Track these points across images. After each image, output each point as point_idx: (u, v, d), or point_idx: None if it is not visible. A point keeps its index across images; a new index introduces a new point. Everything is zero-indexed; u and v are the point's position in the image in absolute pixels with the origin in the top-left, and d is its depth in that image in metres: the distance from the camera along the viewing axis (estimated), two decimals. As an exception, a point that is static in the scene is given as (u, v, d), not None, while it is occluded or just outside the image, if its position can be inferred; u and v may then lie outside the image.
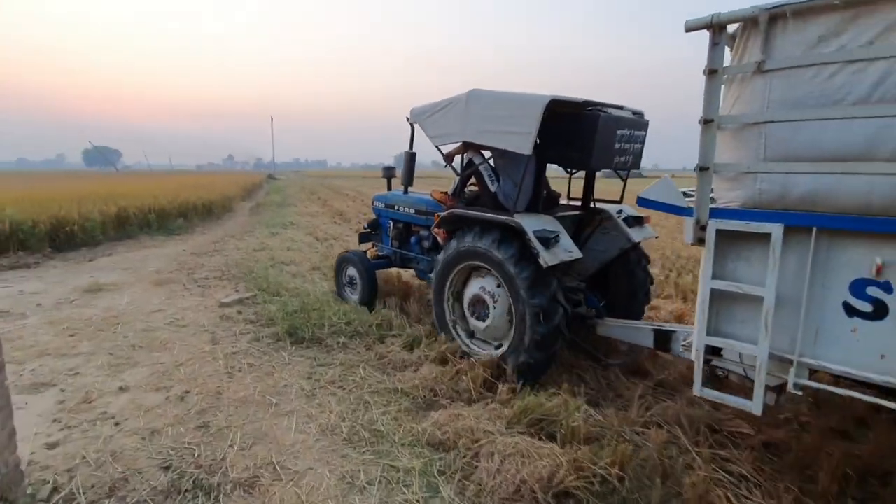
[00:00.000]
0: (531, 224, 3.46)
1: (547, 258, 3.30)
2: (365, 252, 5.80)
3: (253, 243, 9.73)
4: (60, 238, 9.13)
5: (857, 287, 2.09)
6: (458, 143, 4.28)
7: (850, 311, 2.12)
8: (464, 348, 4.03)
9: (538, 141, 3.62)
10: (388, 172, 6.05)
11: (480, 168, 4.23)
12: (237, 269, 7.35)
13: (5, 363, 2.03)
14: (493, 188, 4.18)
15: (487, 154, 4.23)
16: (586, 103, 3.67)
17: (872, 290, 2.05)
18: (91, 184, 16.93)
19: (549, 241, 3.36)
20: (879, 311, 2.04)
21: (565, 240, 3.50)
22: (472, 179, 4.47)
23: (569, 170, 4.42)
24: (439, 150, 4.39)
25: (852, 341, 2.12)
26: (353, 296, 5.62)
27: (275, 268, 7.27)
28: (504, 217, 3.61)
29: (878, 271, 2.00)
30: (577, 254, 3.51)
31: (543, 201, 4.15)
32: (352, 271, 5.65)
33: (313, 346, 4.34)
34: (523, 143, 3.45)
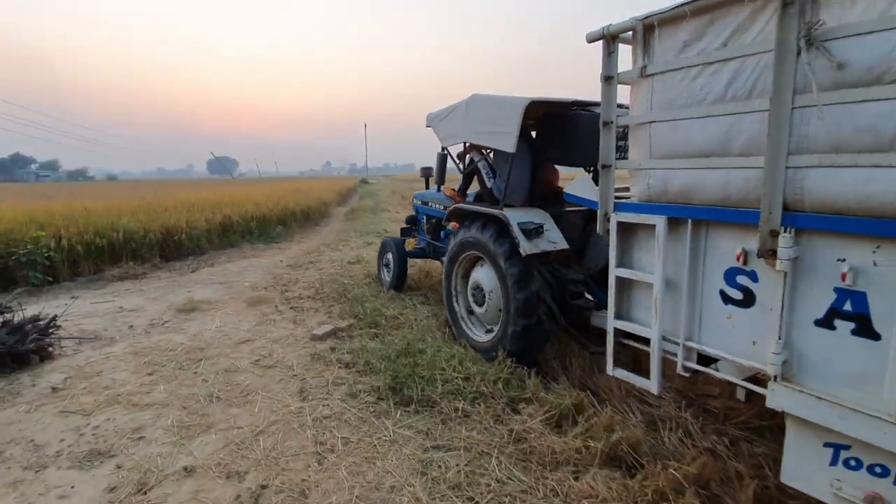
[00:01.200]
0: (517, 216, 3.64)
1: (526, 247, 3.47)
2: (403, 241, 6.30)
3: (348, 255, 9.03)
4: (169, 246, 9.04)
5: (730, 275, 2.22)
6: (461, 146, 4.81)
7: (726, 298, 2.26)
8: (461, 324, 4.40)
9: (533, 139, 3.89)
10: (426, 172, 6.19)
11: (479, 165, 4.56)
12: (331, 286, 6.56)
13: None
14: (489, 184, 4.46)
15: (489, 152, 4.60)
16: (573, 103, 3.86)
17: (742, 279, 2.17)
18: (205, 191, 17.72)
19: (531, 231, 3.51)
20: (748, 300, 2.16)
21: (551, 232, 3.63)
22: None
23: (588, 168, 4.38)
24: (447, 150, 5.05)
25: (728, 328, 2.25)
26: (387, 277, 6.35)
27: (371, 286, 6.35)
28: (492, 209, 3.87)
29: (741, 259, 2.12)
30: (561, 244, 3.62)
31: (547, 197, 4.26)
32: (389, 256, 6.28)
33: (424, 410, 3.23)
34: (507, 141, 3.68)
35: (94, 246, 7.92)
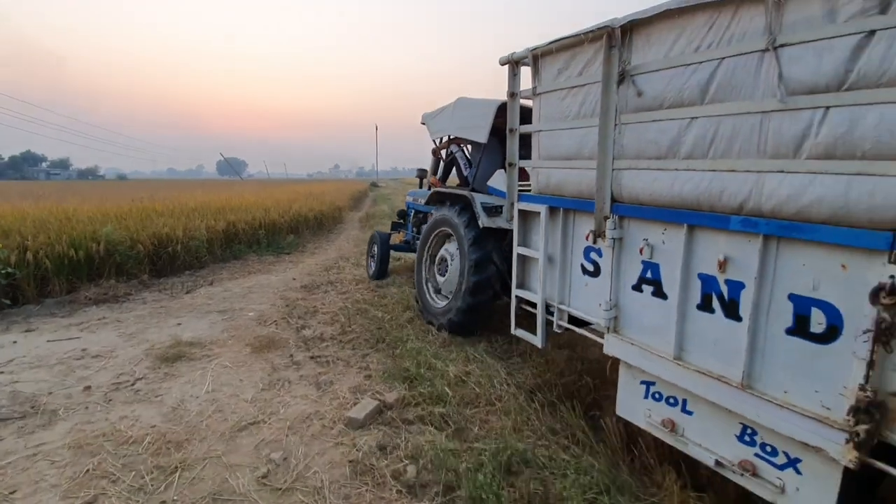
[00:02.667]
0: (481, 197, 4.29)
1: (484, 221, 4.13)
2: (389, 235, 6.99)
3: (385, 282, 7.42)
4: (162, 260, 7.48)
5: (586, 252, 2.79)
6: (445, 138, 5.58)
7: (584, 270, 2.82)
8: (427, 300, 4.99)
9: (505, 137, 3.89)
10: (421, 173, 6.87)
11: (457, 156, 5.64)
12: (361, 320, 5.01)
13: None
14: (465, 172, 5.49)
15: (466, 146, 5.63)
16: None
17: (593, 255, 2.73)
18: (212, 193, 16.19)
19: (490, 209, 4.13)
20: (596, 271, 2.72)
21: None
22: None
23: None
24: (434, 142, 5.82)
25: (586, 293, 2.81)
26: (371, 265, 7.00)
27: (415, 323, 4.77)
28: (461, 191, 4.69)
29: (590, 239, 2.66)
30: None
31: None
32: (375, 248, 6.94)
33: None
34: (481, 133, 4.36)
35: (69, 259, 6.37)
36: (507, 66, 3.25)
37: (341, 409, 3.14)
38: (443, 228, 4.87)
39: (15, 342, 4.51)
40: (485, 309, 4.37)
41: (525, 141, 3.27)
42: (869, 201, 1.52)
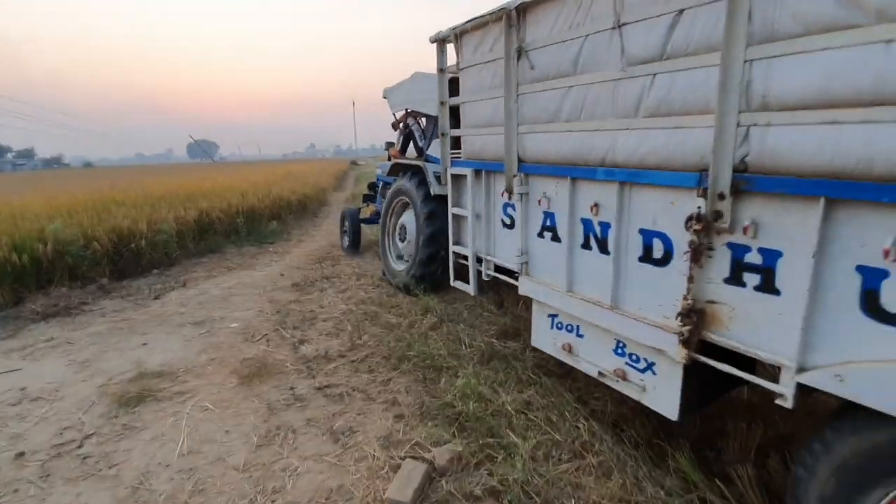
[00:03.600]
0: (433, 166, 4.48)
1: (435, 188, 4.41)
2: (358, 210, 7.56)
3: (373, 263, 6.47)
4: (123, 258, 6.34)
5: (504, 208, 3.11)
6: (403, 112, 5.97)
7: (503, 224, 3.15)
8: (390, 262, 5.46)
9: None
10: (389, 146, 6.98)
11: (412, 129, 5.99)
12: (373, 330, 4.11)
13: None
14: (420, 144, 5.71)
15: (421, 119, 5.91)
16: None
17: (509, 210, 3.05)
18: (182, 178, 14.75)
19: (441, 177, 4.06)
20: (512, 224, 3.04)
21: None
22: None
23: None
24: (394, 116, 6.22)
25: (505, 244, 3.15)
26: (345, 240, 7.44)
27: (442, 332, 3.88)
28: (415, 161, 5.00)
29: (505, 196, 2.99)
30: None
31: None
32: (346, 224, 7.40)
33: None
34: (432, 106, 4.69)
35: (11, 265, 5.22)
36: (435, 45, 3.56)
37: (374, 479, 2.23)
38: (401, 197, 5.20)
39: (-72, 383, 3.44)
40: (437, 269, 4.74)
41: (456, 112, 3.56)
42: (682, 149, 1.87)
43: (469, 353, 3.54)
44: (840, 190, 1.43)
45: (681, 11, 1.79)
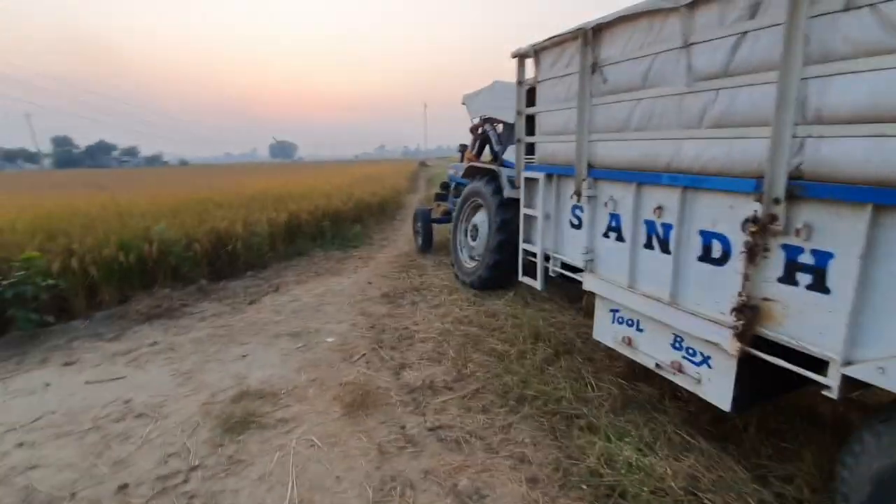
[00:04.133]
0: (508, 172, 4.73)
1: (508, 191, 4.75)
2: (430, 210, 7.73)
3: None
4: (221, 259, 6.42)
5: (573, 210, 3.32)
6: (480, 117, 6.30)
7: (572, 224, 3.36)
8: (462, 260, 5.84)
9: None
10: (462, 148, 7.32)
11: (489, 134, 6.20)
12: (479, 356, 3.68)
13: None
14: (496, 149, 6.02)
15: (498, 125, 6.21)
16: None
17: (577, 212, 3.26)
18: (268, 177, 15.34)
19: (514, 182, 4.28)
20: (580, 224, 3.23)
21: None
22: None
23: None
24: (472, 120, 6.54)
25: (574, 243, 3.34)
26: (418, 240, 7.64)
27: (558, 366, 3.36)
28: (490, 165, 5.42)
29: (574, 199, 3.21)
30: None
31: None
32: (418, 224, 7.66)
33: None
34: (509, 114, 4.68)
35: (118, 264, 5.37)
36: (515, 60, 3.82)
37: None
38: (475, 199, 5.56)
39: (48, 385, 3.49)
40: (506, 266, 4.86)
41: (531, 120, 3.80)
42: (741, 157, 2.05)
43: (598, 398, 3.00)
44: (886, 197, 1.54)
45: (744, 34, 1.99)
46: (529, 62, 3.74)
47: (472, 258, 5.68)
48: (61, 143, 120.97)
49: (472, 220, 5.70)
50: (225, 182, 13.56)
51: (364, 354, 3.86)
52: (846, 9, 1.63)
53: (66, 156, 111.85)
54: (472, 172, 5.89)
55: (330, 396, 3.21)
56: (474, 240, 5.58)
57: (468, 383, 3.34)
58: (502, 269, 5.01)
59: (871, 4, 1.57)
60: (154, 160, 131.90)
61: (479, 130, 6.42)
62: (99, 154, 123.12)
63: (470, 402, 3.10)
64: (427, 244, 7.46)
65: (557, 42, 3.25)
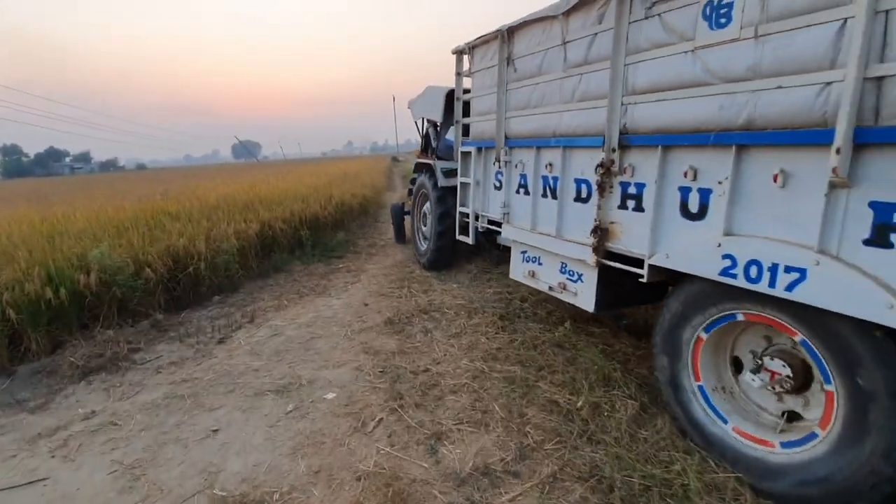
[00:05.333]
0: (441, 164, 5.66)
1: (441, 181, 5.51)
2: (402, 204, 7.98)
3: (471, 287, 5.10)
4: (180, 286, 5.24)
5: (496, 175, 4.11)
6: (422, 119, 6.99)
7: (495, 187, 4.19)
8: (419, 244, 6.56)
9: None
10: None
11: (429, 132, 6.86)
12: (538, 415, 2.79)
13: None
14: (434, 145, 6.59)
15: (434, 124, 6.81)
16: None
17: (499, 175, 4.06)
18: (233, 180, 13.92)
19: (447, 172, 5.44)
20: (500, 186, 4.04)
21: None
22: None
23: None
24: (415, 123, 7.31)
25: (496, 202, 4.18)
26: (391, 231, 8.30)
27: (661, 429, 2.42)
28: (428, 160, 6.17)
29: (497, 165, 4.04)
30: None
31: None
32: (391, 218, 8.30)
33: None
34: (437, 114, 5.98)
35: (46, 303, 4.16)
36: (455, 55, 4.77)
37: None
38: (422, 190, 6.29)
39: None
40: (448, 249, 5.83)
41: (468, 106, 4.61)
42: (595, 122, 2.86)
43: (731, 493, 2.07)
44: (667, 140, 2.38)
45: (595, 34, 2.81)
46: (466, 57, 4.60)
47: (426, 240, 6.30)
48: (9, 151, 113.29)
49: (423, 209, 6.43)
50: (184, 187, 12.13)
51: (380, 419, 2.85)
52: (646, 17, 2.43)
53: (15, 165, 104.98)
54: (418, 168, 6.68)
55: (346, 501, 2.18)
56: (425, 226, 6.31)
57: (537, 463, 2.38)
58: (446, 251, 5.87)
59: (658, 14, 2.37)
60: (108, 165, 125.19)
61: (423, 129, 7.17)
62: (49, 162, 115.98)
63: (549, 499, 2.13)
64: (400, 236, 8.01)
65: (485, 40, 4.09)
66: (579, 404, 2.80)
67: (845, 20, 1.64)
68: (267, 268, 6.54)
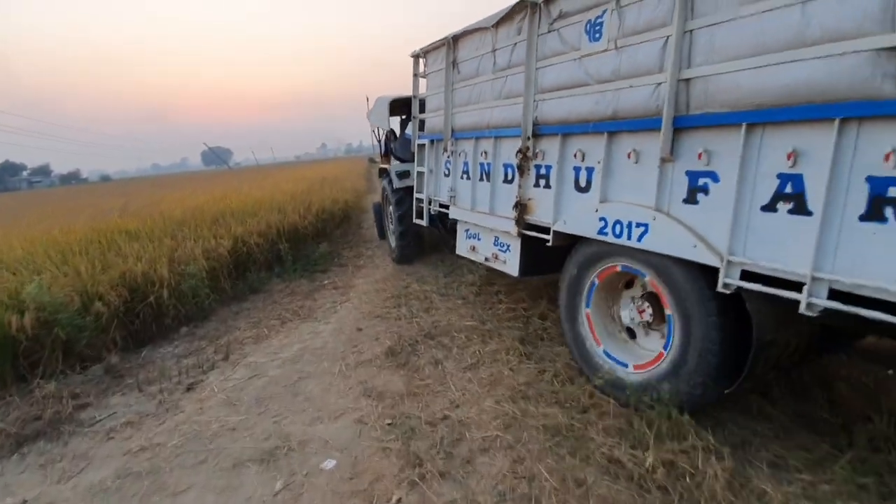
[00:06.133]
0: (396, 167, 6.28)
1: (396, 183, 6.09)
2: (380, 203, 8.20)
3: (494, 309, 4.48)
4: (140, 319, 4.46)
5: (445, 163, 4.66)
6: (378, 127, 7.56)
7: (444, 174, 4.72)
8: (390, 241, 7.12)
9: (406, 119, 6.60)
10: None
11: (383, 139, 7.53)
12: (598, 481, 2.16)
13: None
14: (392, 149, 7.02)
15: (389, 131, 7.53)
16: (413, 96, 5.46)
17: (447, 163, 4.60)
18: (201, 190, 12.94)
19: (401, 174, 6.02)
20: (448, 173, 4.60)
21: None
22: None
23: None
24: (373, 132, 7.90)
25: (444, 186, 4.71)
26: (378, 240, 8.35)
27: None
28: (384, 164, 7.17)
29: (445, 154, 4.62)
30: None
31: None
32: (372, 215, 8.93)
33: None
34: (384, 122, 6.74)
35: (-32, 353, 3.34)
36: (413, 59, 5.19)
37: None
38: (385, 193, 6.98)
39: None
40: (412, 244, 6.45)
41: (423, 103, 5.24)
42: (515, 116, 3.41)
43: None
44: (564, 129, 3.00)
45: (515, 44, 3.40)
46: (422, 60, 5.10)
47: (394, 239, 6.72)
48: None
49: (388, 209, 6.91)
50: (148, 200, 11.14)
51: (399, 501, 2.18)
52: (549, 31, 3.02)
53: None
54: (380, 173, 7.74)
55: None
56: (391, 224, 6.82)
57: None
58: (409, 248, 6.42)
59: (557, 29, 2.95)
60: (70, 178, 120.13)
61: (382, 138, 7.66)
62: (6, 176, 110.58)
63: None
64: (383, 234, 8.05)
65: (435, 47, 4.60)
66: (649, 463, 2.19)
67: (667, 37, 2.21)
68: (242, 289, 5.79)
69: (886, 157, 1.53)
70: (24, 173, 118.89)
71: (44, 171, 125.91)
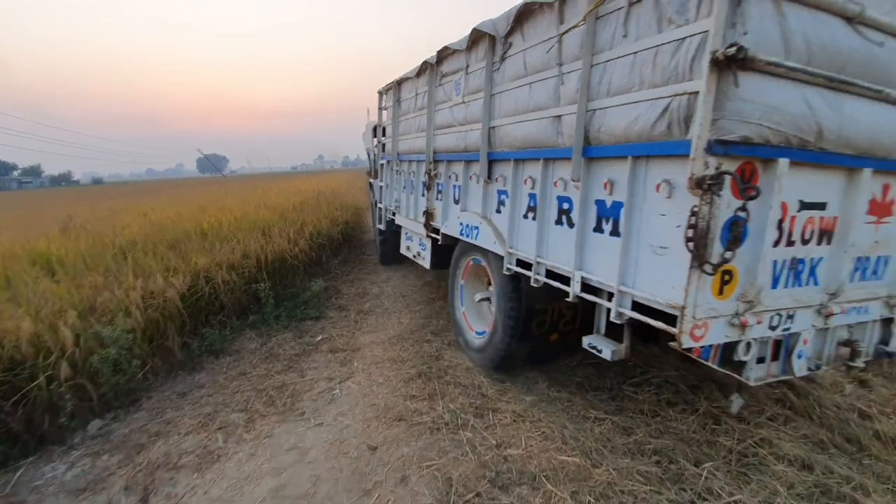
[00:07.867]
0: (378, 182, 7.58)
1: (376, 196, 8.15)
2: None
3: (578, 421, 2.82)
4: (20, 414, 2.59)
5: (404, 183, 5.76)
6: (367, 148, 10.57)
7: (398, 188, 6.02)
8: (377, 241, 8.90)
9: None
10: None
11: (372, 158, 9.27)
12: None
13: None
14: (376, 167, 8.50)
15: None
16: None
17: (404, 181, 5.71)
18: (180, 199, 11.14)
19: (383, 189, 7.29)
20: (405, 188, 5.72)
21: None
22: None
23: None
24: (366, 152, 10.33)
25: (392, 199, 6.38)
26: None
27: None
28: (371, 180, 9.81)
29: (395, 172, 6.25)
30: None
31: None
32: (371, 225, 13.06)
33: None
34: (369, 143, 9.09)
35: None
36: (378, 94, 6.59)
37: None
38: (371, 202, 9.95)
39: None
40: (391, 252, 7.38)
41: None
42: (416, 146, 5.16)
43: None
44: (445, 157, 4.36)
45: (422, 93, 4.82)
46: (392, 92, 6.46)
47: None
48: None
49: (374, 217, 8.93)
50: (109, 211, 9.32)
51: None
52: (439, 84, 4.35)
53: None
54: (370, 186, 10.24)
55: None
56: (380, 223, 7.96)
57: None
58: (388, 255, 7.73)
59: (442, 84, 4.28)
60: (61, 180, 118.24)
61: (371, 156, 9.52)
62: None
63: None
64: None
65: (389, 87, 6.07)
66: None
67: (484, 98, 3.44)
68: (195, 351, 4.03)
69: (555, 184, 2.82)
70: (15, 173, 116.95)
71: (35, 171, 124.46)
